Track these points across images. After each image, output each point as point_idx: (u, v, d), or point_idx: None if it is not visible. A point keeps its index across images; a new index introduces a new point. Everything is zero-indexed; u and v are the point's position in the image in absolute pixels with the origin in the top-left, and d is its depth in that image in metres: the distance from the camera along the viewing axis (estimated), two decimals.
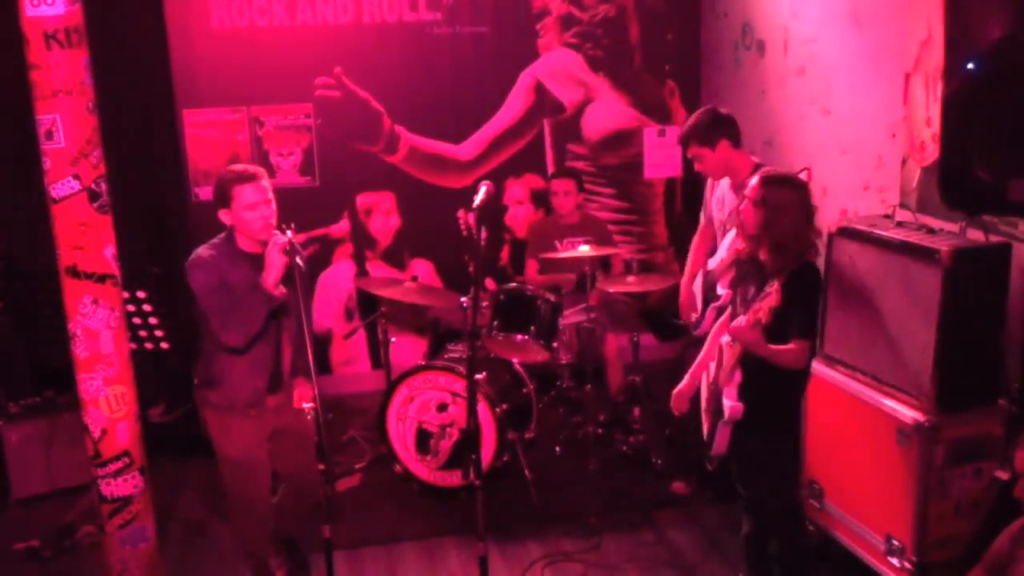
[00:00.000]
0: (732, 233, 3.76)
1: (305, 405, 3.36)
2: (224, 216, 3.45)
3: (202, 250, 3.47)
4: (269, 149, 5.85)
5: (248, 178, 3.40)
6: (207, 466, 5.13)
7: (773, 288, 3.09)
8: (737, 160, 4.09)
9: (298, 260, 3.33)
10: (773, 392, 3.35)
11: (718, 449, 3.44)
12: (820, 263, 3.61)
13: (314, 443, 3.32)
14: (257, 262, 3.40)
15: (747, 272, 3.45)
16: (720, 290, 4.18)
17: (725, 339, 3.41)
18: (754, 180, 3.36)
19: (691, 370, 3.67)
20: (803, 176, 3.70)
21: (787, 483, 3.52)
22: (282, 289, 3.37)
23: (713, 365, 3.56)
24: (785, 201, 3.27)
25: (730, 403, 3.33)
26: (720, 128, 4.06)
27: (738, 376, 3.35)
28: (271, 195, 3.45)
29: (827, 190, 4.78)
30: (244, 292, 3.37)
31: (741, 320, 3.22)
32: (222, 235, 3.51)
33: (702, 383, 3.64)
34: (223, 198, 3.42)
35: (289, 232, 3.36)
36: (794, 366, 3.33)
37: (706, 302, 4.34)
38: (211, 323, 3.40)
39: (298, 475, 3.77)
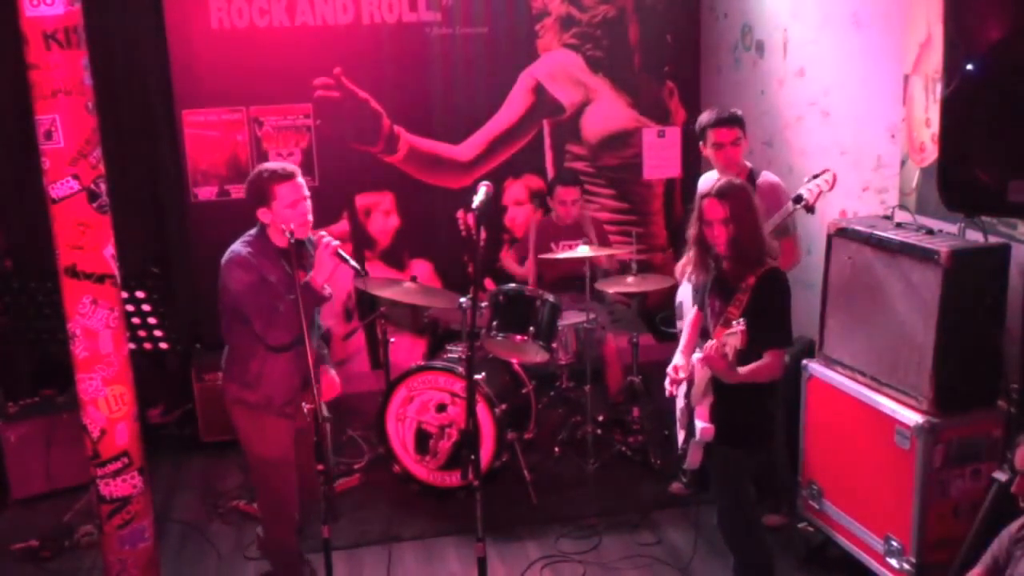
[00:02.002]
0: None
1: (305, 406, 3.34)
2: (264, 215, 3.43)
3: (239, 247, 3.44)
4: (268, 149, 5.84)
5: (287, 176, 3.40)
6: (206, 467, 5.18)
7: (739, 328, 3.06)
8: None
9: (353, 263, 3.42)
10: (745, 409, 3.35)
11: (691, 464, 3.48)
12: (815, 265, 3.59)
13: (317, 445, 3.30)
14: (288, 258, 3.40)
15: (712, 288, 3.44)
16: None
17: (696, 357, 3.39)
18: (704, 202, 3.34)
19: (681, 349, 3.67)
20: (827, 179, 3.67)
21: (746, 495, 3.51)
22: (330, 289, 3.44)
23: (683, 388, 3.54)
24: (744, 205, 3.27)
25: (702, 424, 3.34)
26: None
27: (710, 396, 3.35)
28: (307, 191, 3.46)
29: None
30: (282, 290, 3.39)
31: (711, 345, 3.21)
32: (253, 232, 3.50)
33: (678, 395, 3.60)
34: (262, 197, 3.40)
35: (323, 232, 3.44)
36: (771, 378, 3.32)
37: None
38: (255, 322, 3.39)
39: (304, 475, 3.74)
